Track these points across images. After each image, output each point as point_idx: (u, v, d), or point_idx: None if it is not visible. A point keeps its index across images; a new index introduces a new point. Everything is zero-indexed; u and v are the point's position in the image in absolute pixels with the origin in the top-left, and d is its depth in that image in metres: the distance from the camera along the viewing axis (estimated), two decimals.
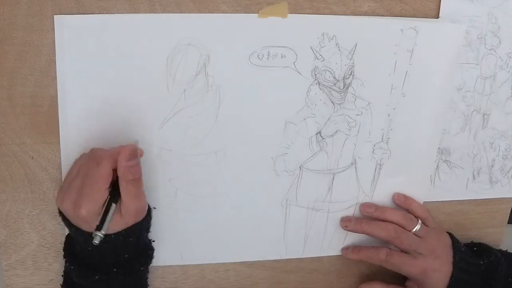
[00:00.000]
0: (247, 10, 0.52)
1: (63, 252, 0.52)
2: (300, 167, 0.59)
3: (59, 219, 0.51)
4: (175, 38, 0.52)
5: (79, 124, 0.53)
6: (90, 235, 0.46)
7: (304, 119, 0.57)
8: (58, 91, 0.52)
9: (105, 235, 0.46)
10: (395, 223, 0.59)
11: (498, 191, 0.66)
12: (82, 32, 0.50)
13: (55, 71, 0.51)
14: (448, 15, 0.57)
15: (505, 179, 0.66)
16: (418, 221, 0.59)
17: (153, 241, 0.56)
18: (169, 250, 0.59)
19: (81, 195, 0.46)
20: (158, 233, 0.58)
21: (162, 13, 0.51)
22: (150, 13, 0.51)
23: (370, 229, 0.59)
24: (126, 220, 0.48)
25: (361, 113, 0.58)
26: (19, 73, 0.51)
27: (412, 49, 0.56)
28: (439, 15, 0.57)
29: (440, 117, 0.61)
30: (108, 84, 0.52)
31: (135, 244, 0.51)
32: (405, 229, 0.58)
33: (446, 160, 0.63)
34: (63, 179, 0.54)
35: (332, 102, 0.57)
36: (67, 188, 0.48)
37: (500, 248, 0.66)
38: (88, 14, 0.50)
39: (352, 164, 0.60)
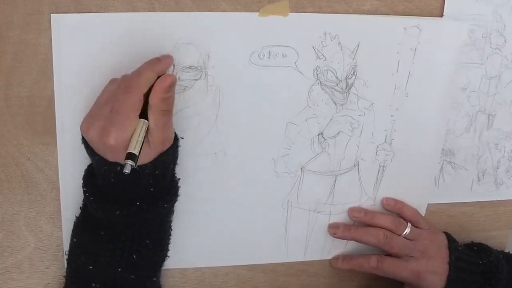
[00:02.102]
0: (247, 8, 0.52)
1: (82, 182, 0.50)
2: (301, 168, 0.58)
3: (53, 221, 0.51)
4: (174, 38, 0.51)
5: (76, 124, 0.51)
6: (115, 165, 0.45)
7: (306, 119, 0.57)
8: (55, 91, 0.51)
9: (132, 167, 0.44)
10: (385, 228, 0.58)
11: (503, 193, 0.66)
12: (80, 31, 0.50)
13: (52, 71, 0.51)
14: (452, 14, 0.56)
15: (510, 181, 0.66)
16: (407, 224, 0.59)
17: (179, 179, 0.53)
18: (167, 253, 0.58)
19: (110, 122, 0.44)
20: None
21: (161, 11, 0.51)
22: (148, 11, 0.51)
23: (359, 236, 0.59)
24: (154, 149, 0.46)
25: (364, 114, 0.58)
26: (15, 73, 0.51)
27: (415, 48, 0.56)
28: (443, 14, 0.56)
29: (444, 117, 0.60)
30: (106, 84, 0.51)
31: (161, 178, 0.49)
32: (394, 233, 0.58)
33: (451, 161, 0.63)
34: (60, 181, 0.54)
35: (334, 102, 0.57)
36: (94, 114, 0.46)
37: (505, 250, 0.65)
38: (85, 13, 0.50)
39: (354, 165, 0.60)
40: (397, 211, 0.61)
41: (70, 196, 0.54)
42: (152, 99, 0.45)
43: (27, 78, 0.51)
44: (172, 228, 0.56)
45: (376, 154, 0.60)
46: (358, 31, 0.54)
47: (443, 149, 0.62)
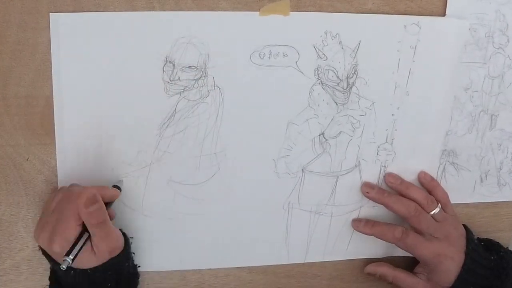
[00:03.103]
0: (247, 7, 0.52)
1: (49, 282, 0.53)
2: (302, 169, 0.58)
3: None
4: (173, 37, 0.51)
5: (75, 125, 0.53)
6: (68, 269, 0.47)
7: (307, 120, 0.56)
8: (53, 91, 0.51)
9: (83, 270, 0.48)
10: (416, 202, 0.58)
11: (506, 194, 0.65)
12: (78, 30, 0.50)
13: (51, 71, 0.51)
14: (455, 13, 0.56)
15: None
16: (438, 204, 0.59)
17: (139, 266, 0.56)
18: (167, 255, 0.59)
19: (54, 232, 0.48)
20: (156, 237, 0.57)
21: (160, 11, 0.51)
22: (148, 10, 0.51)
23: (391, 202, 0.58)
24: (100, 258, 0.49)
25: (365, 114, 0.58)
26: (13, 73, 0.51)
27: (415, 46, 0.56)
28: (446, 13, 0.56)
29: (445, 116, 0.60)
30: (105, 84, 0.52)
31: (117, 276, 0.51)
32: (424, 209, 0.58)
33: (453, 162, 0.63)
34: (58, 182, 0.54)
35: (335, 102, 0.57)
36: (43, 223, 0.49)
37: None
38: (84, 12, 0.50)
39: (356, 166, 0.59)
40: (430, 188, 0.60)
41: None
42: (82, 216, 0.48)
43: (25, 77, 0.51)
44: (172, 229, 0.56)
45: (377, 154, 0.59)
46: (358, 30, 0.54)
47: (445, 150, 0.62)
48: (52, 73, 0.51)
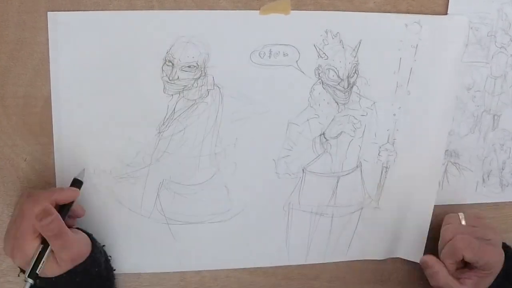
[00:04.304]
0: (248, 6, 0.52)
1: None
2: (303, 169, 0.58)
3: None
4: (173, 36, 0.51)
5: (73, 125, 0.52)
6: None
7: (307, 120, 0.56)
8: (51, 91, 0.51)
9: (47, 279, 0.48)
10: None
11: (509, 194, 0.65)
12: (77, 29, 0.50)
13: (49, 70, 0.51)
14: (457, 12, 0.56)
15: None
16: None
17: (114, 270, 0.55)
18: (166, 256, 0.58)
19: (14, 246, 0.48)
20: (155, 239, 0.57)
21: (159, 9, 0.51)
22: (147, 9, 0.51)
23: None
24: (63, 267, 0.48)
25: (366, 114, 0.58)
26: (11, 72, 0.50)
27: (417, 45, 0.56)
28: (448, 12, 0.56)
29: (447, 115, 0.60)
30: (104, 83, 0.52)
31: (86, 281, 0.50)
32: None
33: (455, 163, 0.63)
34: (57, 182, 0.54)
35: (336, 102, 0.57)
36: (7, 235, 0.49)
37: None
38: (83, 10, 0.49)
39: (357, 166, 0.59)
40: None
41: None
42: (36, 227, 0.47)
43: (23, 77, 0.51)
44: (172, 231, 0.56)
45: (378, 154, 0.59)
46: (359, 29, 0.54)
47: (447, 150, 0.62)
48: (51, 73, 0.50)
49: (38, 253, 0.47)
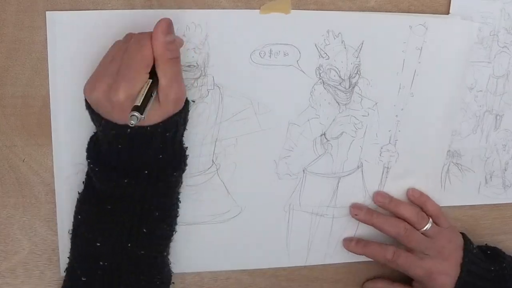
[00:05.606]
0: (248, 5, 0.52)
1: (86, 154, 0.48)
2: (303, 170, 0.58)
3: (48, 224, 0.49)
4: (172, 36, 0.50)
5: (72, 125, 0.52)
6: (124, 128, 0.43)
7: (308, 120, 0.56)
8: (50, 91, 0.51)
9: (141, 128, 0.43)
10: (406, 220, 0.58)
11: None
12: (75, 29, 0.49)
13: (47, 70, 0.50)
14: (459, 11, 0.56)
15: None
16: (429, 220, 0.59)
17: (187, 147, 0.51)
18: None
19: (118, 78, 0.43)
20: None
21: (159, 9, 0.50)
22: (146, 9, 0.50)
23: (380, 223, 0.58)
24: (165, 108, 0.45)
25: (368, 114, 0.57)
26: (9, 72, 0.50)
27: (421, 47, 0.56)
28: (450, 11, 0.56)
29: (450, 118, 0.60)
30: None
31: (171, 143, 0.47)
32: (415, 227, 0.58)
33: (457, 163, 0.62)
34: (55, 183, 0.53)
35: (337, 102, 0.56)
36: (99, 75, 0.44)
37: None
38: (81, 10, 0.49)
39: (358, 167, 0.59)
40: (420, 204, 0.60)
41: (66, 199, 0.53)
42: (156, 49, 0.43)
43: (21, 77, 0.50)
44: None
45: (380, 155, 0.59)
46: (362, 29, 0.54)
47: (449, 151, 0.61)
48: (49, 73, 0.50)
49: (148, 87, 0.43)
